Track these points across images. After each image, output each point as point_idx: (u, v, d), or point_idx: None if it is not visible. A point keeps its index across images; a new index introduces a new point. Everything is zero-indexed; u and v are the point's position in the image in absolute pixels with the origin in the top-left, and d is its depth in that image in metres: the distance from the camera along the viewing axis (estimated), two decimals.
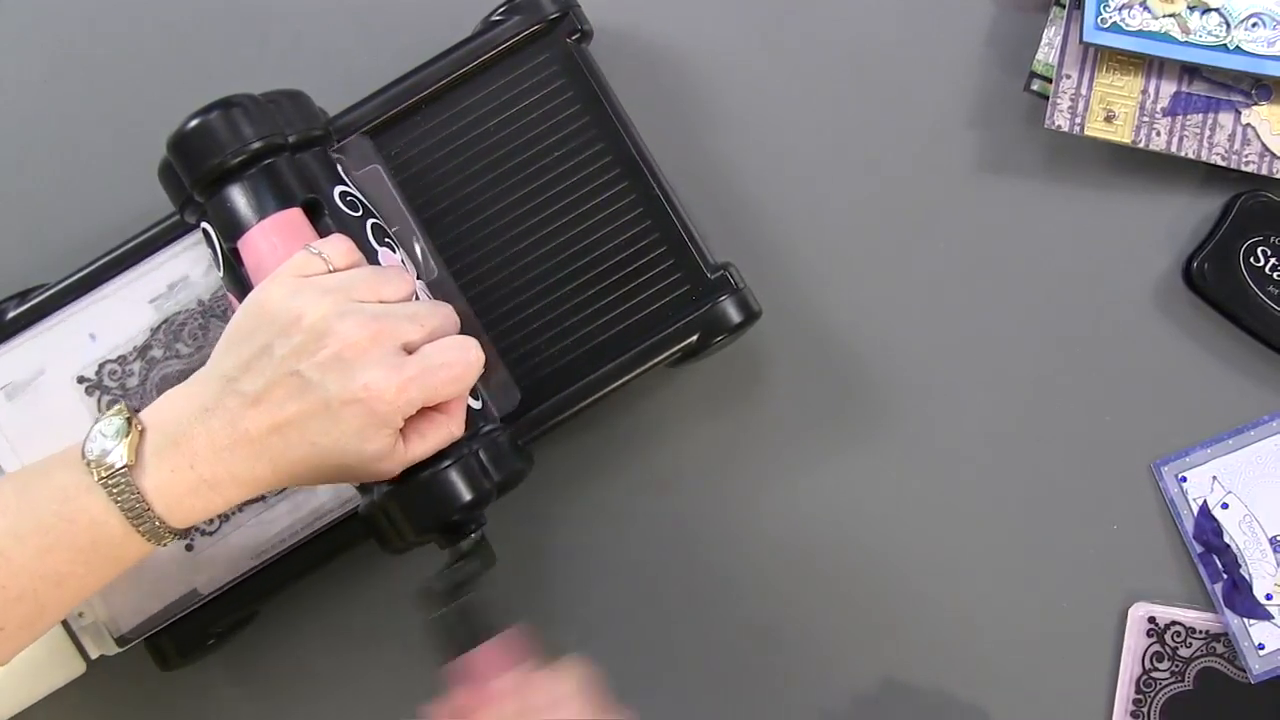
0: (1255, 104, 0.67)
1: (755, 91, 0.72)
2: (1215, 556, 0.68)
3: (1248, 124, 0.67)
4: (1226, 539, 0.68)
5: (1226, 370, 0.69)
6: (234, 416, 0.52)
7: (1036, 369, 0.70)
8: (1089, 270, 0.70)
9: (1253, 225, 0.68)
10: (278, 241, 0.57)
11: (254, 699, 0.71)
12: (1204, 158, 0.67)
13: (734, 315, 0.64)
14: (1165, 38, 0.65)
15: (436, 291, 0.64)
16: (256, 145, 0.58)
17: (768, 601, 0.70)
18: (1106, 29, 0.65)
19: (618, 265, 0.64)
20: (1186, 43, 0.65)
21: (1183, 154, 0.67)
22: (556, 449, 0.70)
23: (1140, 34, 0.65)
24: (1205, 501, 0.69)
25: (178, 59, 0.72)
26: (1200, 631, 0.68)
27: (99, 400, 0.64)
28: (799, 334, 0.71)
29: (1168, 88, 0.67)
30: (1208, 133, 0.67)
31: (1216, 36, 0.65)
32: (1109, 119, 0.67)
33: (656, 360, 0.64)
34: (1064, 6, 0.68)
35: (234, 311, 0.55)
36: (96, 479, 0.51)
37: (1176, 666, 0.69)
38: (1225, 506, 0.68)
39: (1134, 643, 0.69)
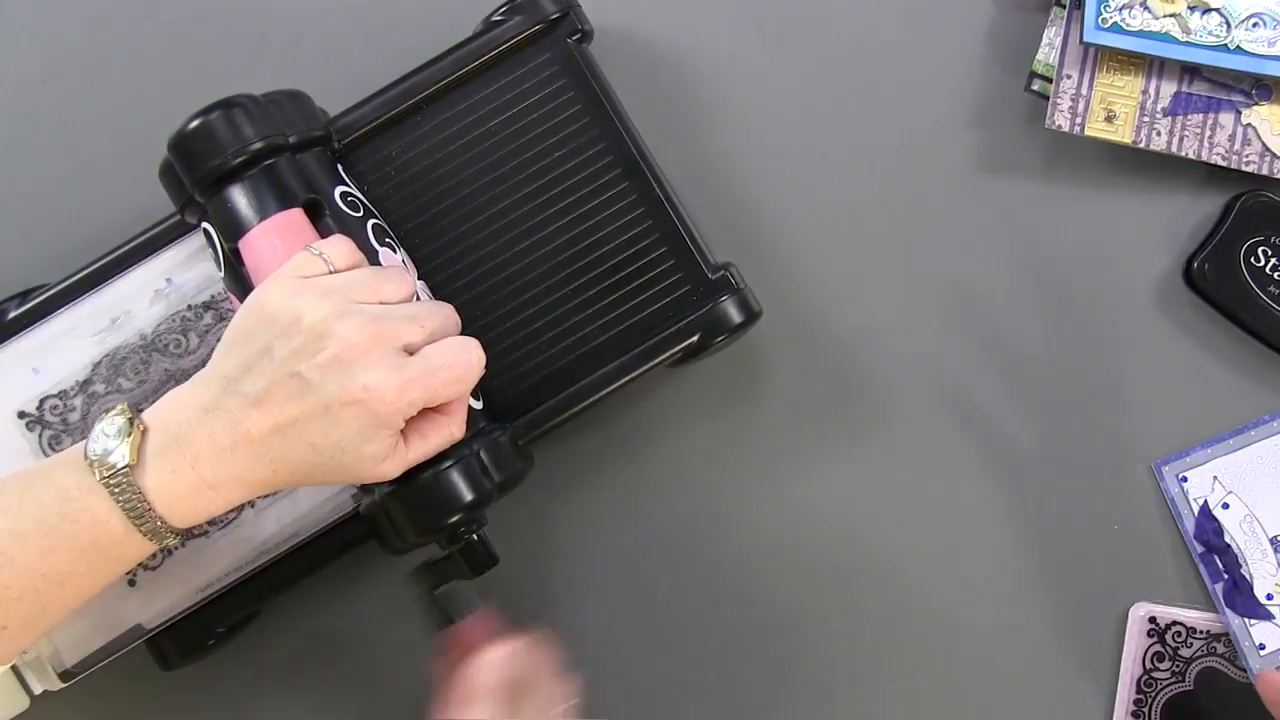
0: (1256, 104, 0.67)
1: (755, 91, 0.72)
2: (1216, 556, 0.68)
3: (1248, 124, 0.67)
4: (1227, 539, 0.68)
5: (1227, 370, 0.69)
6: (235, 417, 0.52)
7: (1037, 369, 0.70)
8: (1089, 270, 0.70)
9: (1253, 225, 0.68)
10: (278, 242, 0.57)
11: (254, 698, 0.71)
12: (1204, 158, 0.67)
13: (735, 315, 0.64)
14: (1166, 38, 0.65)
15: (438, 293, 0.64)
16: (257, 145, 0.58)
17: (768, 601, 0.70)
18: (1107, 29, 0.65)
19: (618, 265, 0.64)
20: (1187, 43, 0.65)
21: (1183, 154, 0.67)
22: (557, 449, 0.70)
23: (1141, 34, 0.65)
24: (1206, 501, 0.69)
25: (178, 59, 0.72)
26: (1201, 631, 0.68)
27: (40, 436, 0.63)
28: (799, 334, 0.71)
29: (1168, 88, 0.67)
30: (1208, 133, 0.67)
31: (1217, 36, 0.65)
32: (1109, 119, 0.67)
33: (657, 360, 0.64)
34: (1064, 6, 0.68)
35: (235, 312, 0.56)
36: (98, 479, 0.51)
37: (1177, 666, 0.69)
38: (1226, 506, 0.68)
39: (1135, 643, 0.69)
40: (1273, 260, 0.68)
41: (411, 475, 0.56)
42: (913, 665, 0.70)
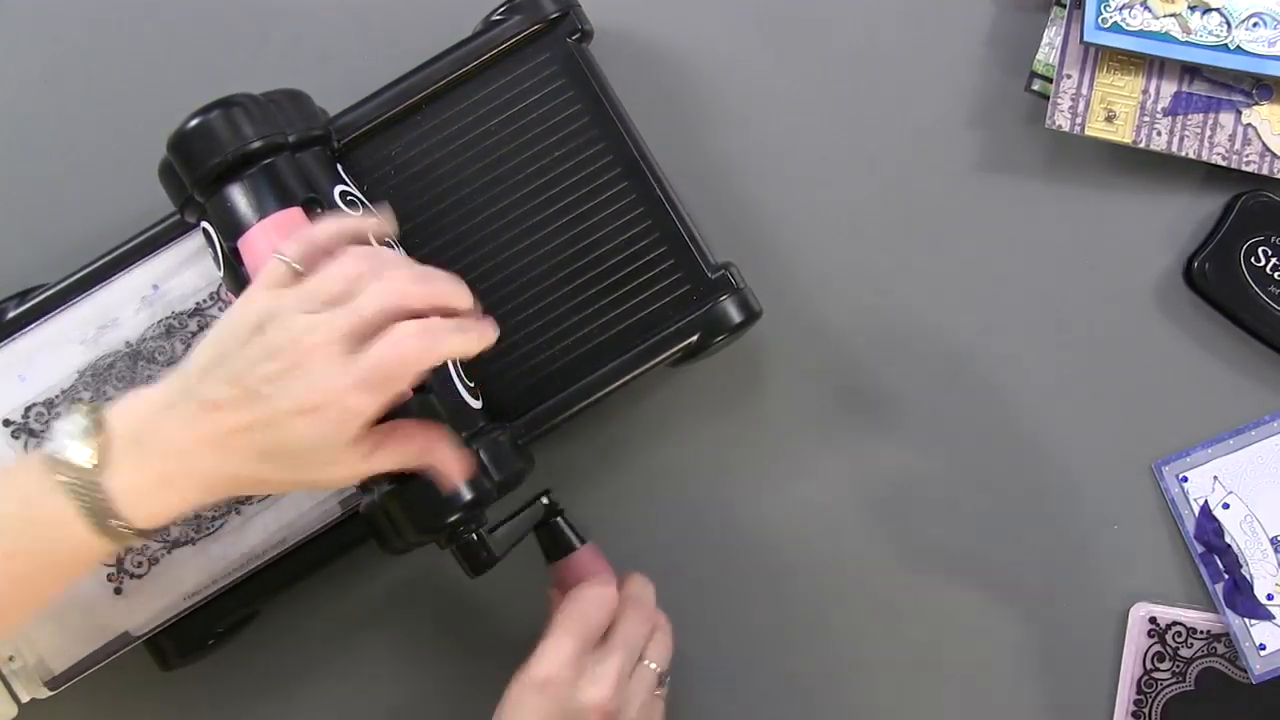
0: (1256, 104, 0.67)
1: (755, 91, 0.72)
2: (1216, 557, 0.68)
3: (1248, 124, 0.67)
4: (1228, 539, 0.68)
5: (1227, 370, 0.69)
6: (192, 419, 0.51)
7: (1037, 369, 0.70)
8: (1089, 270, 0.70)
9: (1253, 225, 0.68)
10: (278, 241, 0.57)
11: (254, 698, 0.71)
12: (1205, 157, 0.67)
13: (734, 315, 0.64)
14: (1166, 37, 0.65)
15: None
16: (257, 145, 0.58)
17: (769, 601, 0.70)
18: (1107, 29, 0.65)
19: (618, 265, 0.64)
20: (1187, 43, 0.65)
21: (1183, 154, 0.67)
22: (557, 449, 0.70)
23: (1141, 34, 0.65)
24: (1206, 501, 0.69)
25: (178, 59, 0.72)
26: (1201, 632, 0.68)
27: (25, 444, 0.63)
28: (799, 333, 0.71)
29: (1168, 87, 0.67)
30: (1208, 132, 0.67)
31: (1217, 36, 0.65)
32: (1110, 119, 0.67)
33: (657, 360, 0.64)
34: (1065, 6, 0.68)
35: None
36: (60, 480, 0.50)
37: (1178, 667, 0.69)
38: (1226, 507, 0.68)
39: (1135, 643, 0.69)
40: (1273, 260, 0.68)
41: (411, 475, 0.56)
42: (913, 665, 0.70)
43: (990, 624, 0.70)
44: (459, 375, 0.60)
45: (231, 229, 0.58)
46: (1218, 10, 0.65)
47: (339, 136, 0.64)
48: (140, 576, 0.63)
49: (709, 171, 0.71)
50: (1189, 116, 0.67)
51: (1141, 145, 0.67)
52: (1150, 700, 0.69)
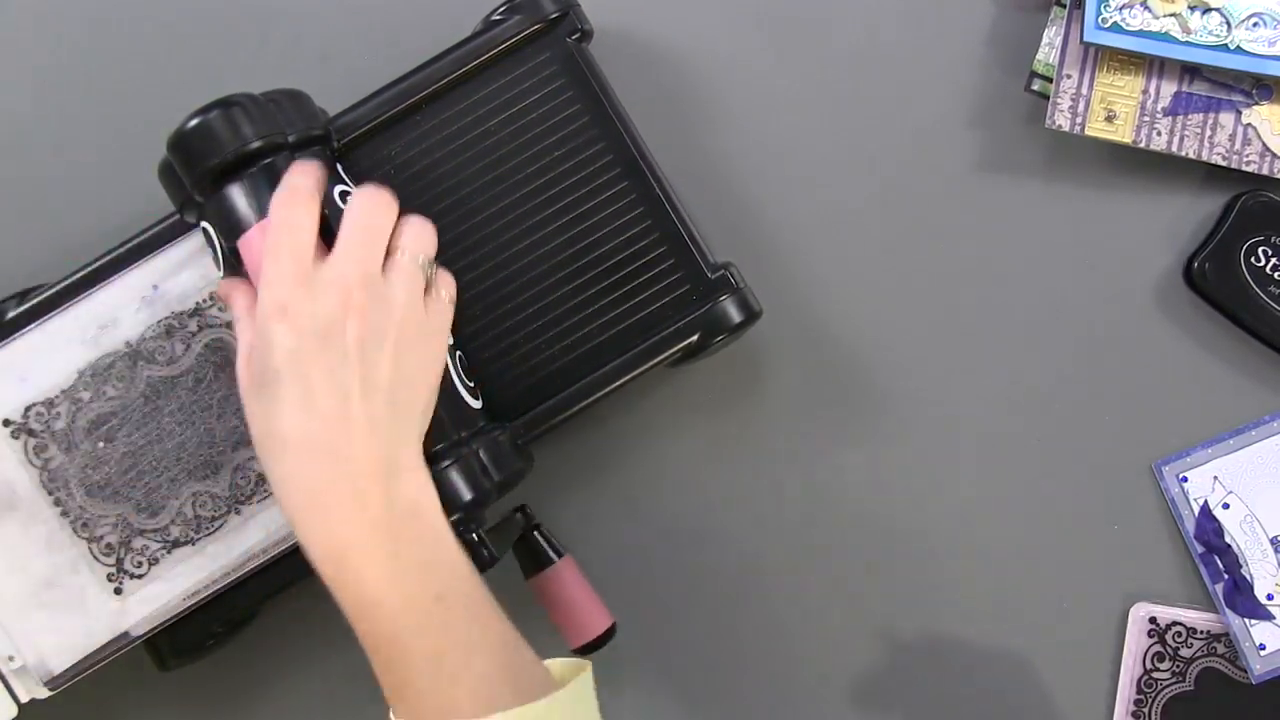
0: (1256, 104, 0.67)
1: (756, 91, 0.72)
2: (1216, 557, 0.68)
3: (1248, 124, 0.67)
4: (1228, 539, 0.68)
5: (1227, 370, 0.69)
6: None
7: (1037, 369, 0.70)
8: (1089, 270, 0.70)
9: (1253, 225, 0.68)
10: None
11: (252, 699, 0.71)
12: (1205, 157, 0.67)
13: (734, 315, 0.64)
14: (1166, 37, 0.65)
15: None
16: (256, 144, 0.58)
17: (769, 599, 0.70)
18: (1107, 29, 0.65)
19: (618, 265, 0.64)
20: (1187, 42, 0.65)
21: (1183, 154, 0.67)
22: (556, 449, 0.70)
23: (1141, 34, 0.65)
24: (1206, 501, 0.69)
25: (177, 59, 0.72)
26: (1201, 632, 0.68)
27: (25, 445, 0.62)
28: (799, 333, 0.71)
29: (1168, 87, 0.67)
30: (1208, 132, 0.67)
31: (1217, 36, 0.65)
32: (1110, 119, 0.67)
33: (657, 360, 0.64)
34: (1065, 6, 0.68)
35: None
36: None
37: (1178, 667, 0.68)
38: (1226, 507, 0.68)
39: (1135, 643, 0.69)
40: (1273, 260, 0.68)
41: None
42: (913, 664, 0.70)
43: (990, 623, 0.70)
44: (459, 375, 0.60)
45: (231, 229, 0.58)
46: (1218, 10, 0.65)
47: (339, 136, 0.64)
48: (140, 577, 0.63)
49: (708, 171, 0.71)
50: (1189, 116, 0.67)
51: (1141, 145, 0.67)
52: (1150, 700, 0.69)
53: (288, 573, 0.64)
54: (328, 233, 0.58)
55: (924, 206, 0.71)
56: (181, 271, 0.64)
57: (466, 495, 0.57)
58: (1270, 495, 0.68)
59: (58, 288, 0.64)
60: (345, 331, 0.54)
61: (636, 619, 0.70)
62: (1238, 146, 0.67)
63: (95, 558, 0.62)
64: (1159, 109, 0.67)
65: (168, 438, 0.63)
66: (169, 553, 0.63)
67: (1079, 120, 0.67)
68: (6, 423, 0.63)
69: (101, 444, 0.62)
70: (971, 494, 0.70)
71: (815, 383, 0.71)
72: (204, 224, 0.60)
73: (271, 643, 0.70)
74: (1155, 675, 0.69)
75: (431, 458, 0.57)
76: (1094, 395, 0.70)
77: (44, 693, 0.62)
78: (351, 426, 0.53)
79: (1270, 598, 0.68)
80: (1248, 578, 0.68)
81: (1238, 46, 0.65)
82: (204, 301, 0.64)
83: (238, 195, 0.58)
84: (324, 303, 0.54)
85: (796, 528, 0.70)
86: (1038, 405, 0.70)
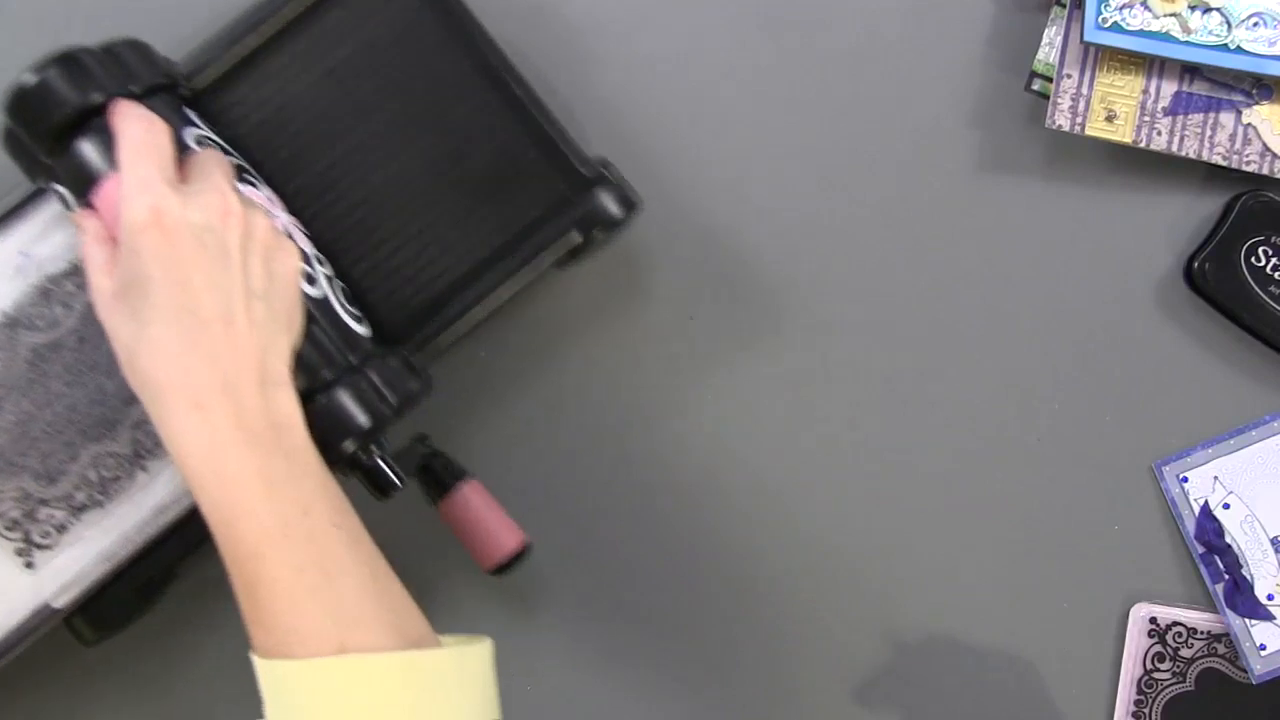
0: (1256, 104, 0.67)
1: (756, 91, 0.71)
2: (1217, 557, 0.68)
3: (1249, 124, 0.67)
4: (1228, 539, 0.68)
5: (1227, 370, 0.69)
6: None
7: (1037, 369, 0.70)
8: (1089, 270, 0.70)
9: (1253, 225, 0.68)
10: None
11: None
12: (1205, 157, 0.67)
13: (613, 208, 0.63)
14: (1166, 37, 0.65)
15: None
16: (99, 98, 0.55)
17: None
18: (1107, 28, 0.65)
19: (492, 174, 0.63)
20: (1187, 42, 0.65)
21: (1183, 154, 0.67)
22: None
23: (1141, 33, 0.65)
24: (1206, 502, 0.69)
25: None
26: (1202, 632, 0.68)
27: None
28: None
29: (1169, 87, 0.67)
30: (1209, 132, 0.67)
31: (1218, 36, 0.65)
32: (1110, 119, 0.67)
33: (540, 263, 0.63)
34: (1065, 6, 0.68)
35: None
36: None
37: (1178, 667, 0.68)
38: (1227, 507, 0.68)
39: (1135, 643, 0.69)
40: (1273, 260, 0.68)
41: (307, 404, 0.55)
42: (913, 664, 0.70)
43: (990, 624, 0.70)
44: (340, 303, 0.60)
45: (83, 186, 0.56)
46: (1218, 10, 0.65)
47: (189, 80, 0.62)
48: (50, 548, 0.61)
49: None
50: (1189, 116, 0.67)
51: (1141, 145, 0.67)
52: (1150, 700, 0.69)
53: (202, 527, 0.63)
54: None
55: (924, 207, 0.71)
56: (50, 234, 0.62)
57: (361, 418, 0.56)
58: (1270, 495, 0.68)
59: None
60: (225, 236, 0.53)
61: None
62: (1238, 146, 0.67)
63: (0, 534, 0.61)
64: (1159, 109, 0.67)
65: (58, 401, 0.61)
66: (76, 519, 0.61)
67: (1079, 120, 0.67)
68: None
69: None
70: (972, 494, 0.70)
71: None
72: (55, 186, 0.58)
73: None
74: (1156, 675, 0.69)
75: (322, 385, 0.56)
76: (1094, 395, 0.70)
77: None
78: (234, 331, 0.52)
79: (1270, 598, 0.68)
80: (1248, 578, 0.68)
81: (1238, 46, 0.65)
82: (76, 259, 0.61)
83: (86, 151, 0.55)
84: (202, 206, 0.53)
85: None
86: (1038, 405, 0.70)
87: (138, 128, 0.55)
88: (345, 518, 0.54)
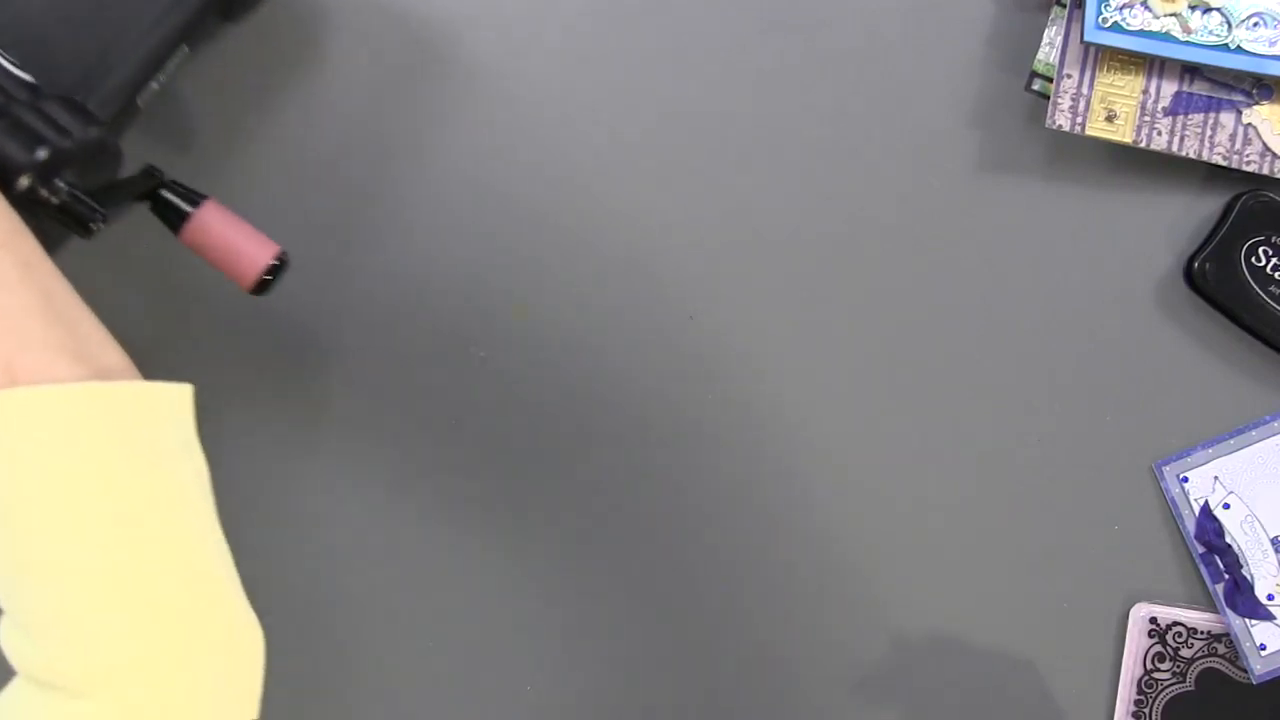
0: (1256, 104, 0.67)
1: (758, 92, 0.71)
2: (1217, 557, 0.68)
3: (1249, 124, 0.67)
4: (1228, 539, 0.68)
5: (1227, 370, 0.69)
6: None
7: (1037, 369, 0.70)
8: (1089, 270, 0.70)
9: (1254, 225, 0.68)
10: None
11: None
12: (1205, 157, 0.67)
13: None
14: (1166, 37, 0.65)
15: None
16: None
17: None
18: (1107, 28, 0.65)
19: None
20: (1188, 42, 0.65)
21: (1184, 154, 0.67)
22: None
23: (1141, 33, 0.65)
24: (1207, 502, 0.69)
25: None
26: (1202, 632, 0.68)
27: None
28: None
29: (1169, 87, 0.67)
30: (1209, 132, 0.67)
31: (1218, 36, 0.65)
32: (1110, 118, 0.67)
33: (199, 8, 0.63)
34: (1065, 6, 0.68)
35: None
36: None
37: (1178, 667, 0.69)
38: (1227, 507, 0.68)
39: (1135, 643, 0.69)
40: (1273, 260, 0.68)
41: None
42: (913, 664, 0.70)
43: (991, 624, 0.70)
44: None
45: None
46: (1218, 10, 0.65)
47: None
48: None
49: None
50: (1189, 116, 0.67)
51: (1142, 145, 0.67)
52: (1151, 700, 0.69)
53: None
54: None
55: (924, 206, 0.71)
56: None
57: (19, 153, 0.54)
58: (1270, 495, 0.68)
59: None
60: None
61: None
62: (1238, 146, 0.67)
63: None
64: (1159, 109, 0.67)
65: None
66: None
67: (1079, 120, 0.67)
68: None
69: None
70: (972, 494, 0.70)
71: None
72: None
73: None
74: (1156, 675, 0.69)
75: None
76: (1094, 395, 0.70)
77: None
78: None
79: (1270, 598, 0.68)
80: (1248, 578, 0.68)
81: (1238, 46, 0.65)
82: None
83: None
84: None
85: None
86: (1038, 405, 0.70)
87: None
88: (17, 239, 0.49)
